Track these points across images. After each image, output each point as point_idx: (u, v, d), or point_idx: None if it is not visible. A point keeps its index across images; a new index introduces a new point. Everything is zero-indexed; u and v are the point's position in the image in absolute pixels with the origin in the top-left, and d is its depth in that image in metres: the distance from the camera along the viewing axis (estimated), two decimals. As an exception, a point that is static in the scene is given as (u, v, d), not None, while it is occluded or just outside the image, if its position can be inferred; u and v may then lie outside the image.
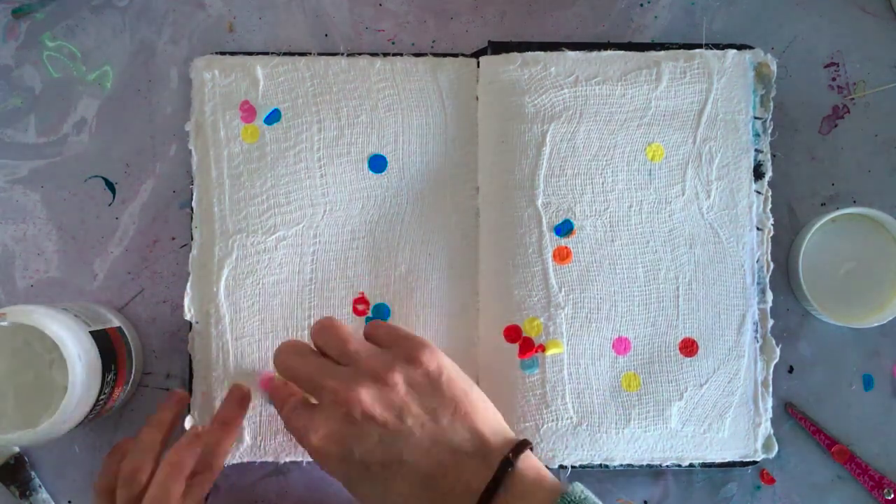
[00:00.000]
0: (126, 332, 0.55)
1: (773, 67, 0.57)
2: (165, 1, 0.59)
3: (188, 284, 0.56)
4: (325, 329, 0.48)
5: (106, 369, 0.51)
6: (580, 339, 0.55)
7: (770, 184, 0.57)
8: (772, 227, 0.57)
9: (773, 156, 0.58)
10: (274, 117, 0.57)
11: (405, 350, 0.47)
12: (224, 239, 0.56)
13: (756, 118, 0.57)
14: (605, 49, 0.57)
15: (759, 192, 0.57)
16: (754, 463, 0.56)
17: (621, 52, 0.57)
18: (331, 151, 0.57)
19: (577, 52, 0.56)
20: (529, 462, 0.45)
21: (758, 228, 0.57)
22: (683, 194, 0.56)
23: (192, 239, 0.56)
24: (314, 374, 0.47)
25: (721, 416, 0.55)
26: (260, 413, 0.55)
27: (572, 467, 0.55)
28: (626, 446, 0.55)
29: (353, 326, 0.56)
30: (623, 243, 0.56)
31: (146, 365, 0.58)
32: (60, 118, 0.59)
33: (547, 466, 0.54)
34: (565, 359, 0.55)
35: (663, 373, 0.55)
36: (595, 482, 0.57)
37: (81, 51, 0.59)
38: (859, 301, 0.57)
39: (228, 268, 0.56)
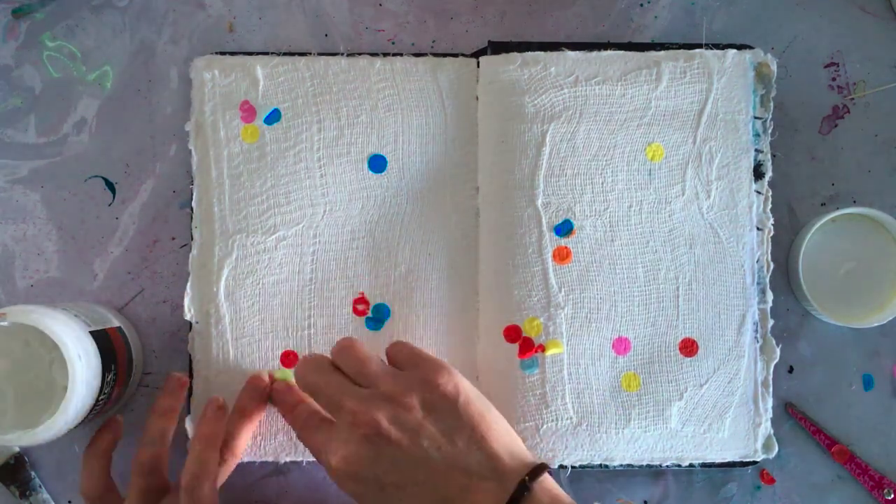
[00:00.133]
0: (126, 332, 0.55)
1: (773, 67, 0.57)
2: (165, 1, 0.59)
3: (188, 284, 0.56)
4: (344, 350, 0.49)
5: (106, 369, 0.51)
6: (580, 339, 0.55)
7: (770, 184, 0.57)
8: (772, 227, 0.57)
9: (773, 156, 0.58)
10: (274, 117, 0.57)
11: (423, 372, 0.48)
12: (224, 239, 0.56)
13: (756, 118, 0.57)
14: (605, 49, 0.57)
15: (759, 192, 0.57)
16: (754, 463, 0.56)
17: (621, 52, 0.57)
18: (331, 151, 0.57)
19: (577, 52, 0.56)
20: (546, 485, 0.45)
21: (758, 228, 0.57)
22: (683, 194, 0.56)
23: (192, 239, 0.56)
24: (334, 393, 0.48)
25: (721, 416, 0.55)
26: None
27: (572, 467, 0.55)
28: (626, 446, 0.55)
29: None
30: (623, 243, 0.56)
31: (146, 365, 0.58)
32: (60, 118, 0.59)
33: (547, 466, 0.54)
34: (565, 359, 0.55)
35: (663, 373, 0.55)
36: (595, 482, 0.57)
37: (81, 51, 0.59)
38: (859, 301, 0.57)
39: (228, 268, 0.56)
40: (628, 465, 0.55)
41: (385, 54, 0.58)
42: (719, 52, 0.57)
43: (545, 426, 0.54)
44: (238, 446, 0.53)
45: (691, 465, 0.55)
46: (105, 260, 0.58)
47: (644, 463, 0.55)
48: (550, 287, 0.55)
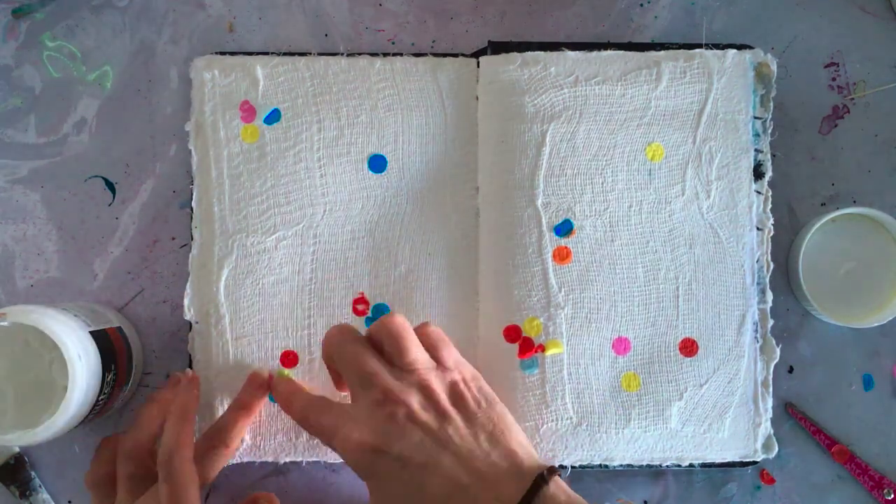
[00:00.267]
0: (126, 332, 0.55)
1: (773, 67, 0.57)
2: (165, 1, 0.59)
3: (188, 284, 0.56)
4: (392, 333, 0.49)
5: (106, 369, 0.51)
6: (580, 339, 0.55)
7: (770, 184, 0.57)
8: (772, 227, 0.57)
9: (773, 156, 0.58)
10: (274, 117, 0.57)
11: (455, 371, 0.50)
12: (224, 239, 0.56)
13: (756, 118, 0.57)
14: (605, 49, 0.57)
15: (759, 192, 0.57)
16: (754, 463, 0.56)
17: (621, 52, 0.57)
18: (331, 151, 0.57)
19: (577, 52, 0.56)
20: (561, 485, 0.46)
21: (758, 228, 0.57)
22: (683, 194, 0.56)
23: (192, 239, 0.56)
24: (370, 369, 0.49)
25: (721, 416, 0.55)
26: (260, 413, 0.55)
27: (572, 467, 0.55)
28: (626, 446, 0.55)
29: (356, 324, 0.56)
30: (623, 243, 0.56)
31: (146, 365, 0.58)
32: (60, 118, 0.59)
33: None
34: (565, 359, 0.55)
35: (663, 373, 0.55)
36: (595, 482, 0.58)
37: (81, 51, 0.59)
38: (859, 301, 0.57)
39: (228, 268, 0.56)
40: (628, 465, 0.55)
41: (385, 54, 0.58)
42: (719, 52, 0.57)
43: (545, 426, 0.54)
44: (233, 438, 0.52)
45: (691, 465, 0.55)
46: (105, 260, 0.58)
47: (644, 463, 0.55)
48: (550, 287, 0.55)
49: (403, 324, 0.50)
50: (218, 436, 0.52)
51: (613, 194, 0.56)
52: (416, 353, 0.49)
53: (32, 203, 0.58)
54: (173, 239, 0.58)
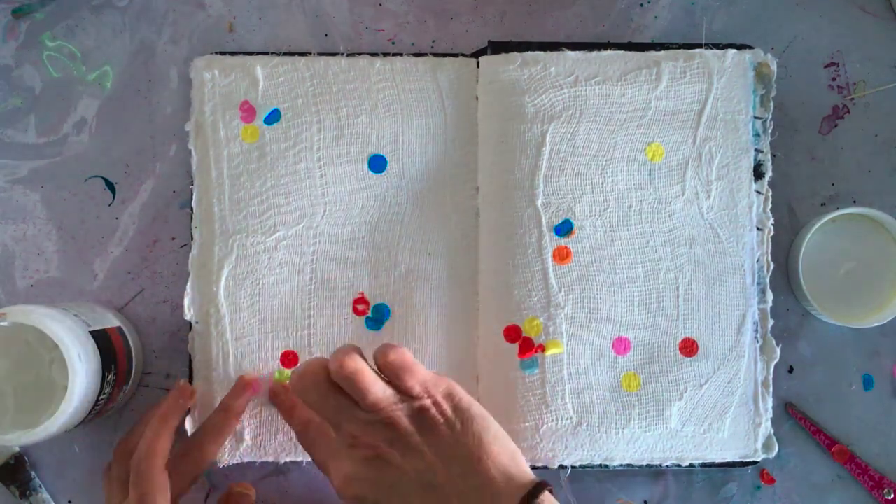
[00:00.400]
0: (126, 332, 0.55)
1: (773, 67, 0.57)
2: (165, 1, 0.59)
3: (188, 284, 0.56)
4: (346, 379, 0.47)
5: (106, 369, 0.51)
6: (580, 339, 0.55)
7: (770, 184, 0.57)
8: (772, 227, 0.57)
9: (773, 156, 0.58)
10: (274, 117, 0.57)
11: (424, 397, 0.47)
12: (224, 239, 0.56)
13: (756, 118, 0.57)
14: (605, 49, 0.57)
15: (759, 192, 0.57)
16: (754, 463, 0.56)
17: (621, 52, 0.57)
18: (331, 151, 0.57)
19: (577, 52, 0.56)
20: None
21: (758, 228, 0.57)
22: (683, 194, 0.56)
23: (192, 239, 0.56)
24: (333, 415, 0.48)
25: (721, 416, 0.55)
26: (260, 413, 0.55)
27: (572, 467, 0.55)
28: (626, 446, 0.55)
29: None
30: (623, 243, 0.56)
31: (146, 365, 0.58)
32: (60, 118, 0.59)
33: (546, 467, 0.54)
34: (565, 359, 0.55)
35: (663, 373, 0.55)
36: (595, 482, 0.57)
37: (81, 51, 0.59)
38: (859, 301, 0.57)
39: (228, 268, 0.56)
40: (628, 465, 0.55)
41: (385, 54, 0.58)
42: (719, 52, 0.57)
43: (545, 426, 0.54)
44: (213, 445, 0.53)
45: (691, 465, 0.55)
46: (105, 260, 0.58)
47: (644, 463, 0.55)
48: (550, 287, 0.55)
49: (355, 366, 0.47)
50: (198, 443, 0.52)
51: (613, 194, 0.56)
52: (376, 394, 0.47)
53: (32, 203, 0.58)
54: (173, 239, 0.58)
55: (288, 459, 0.55)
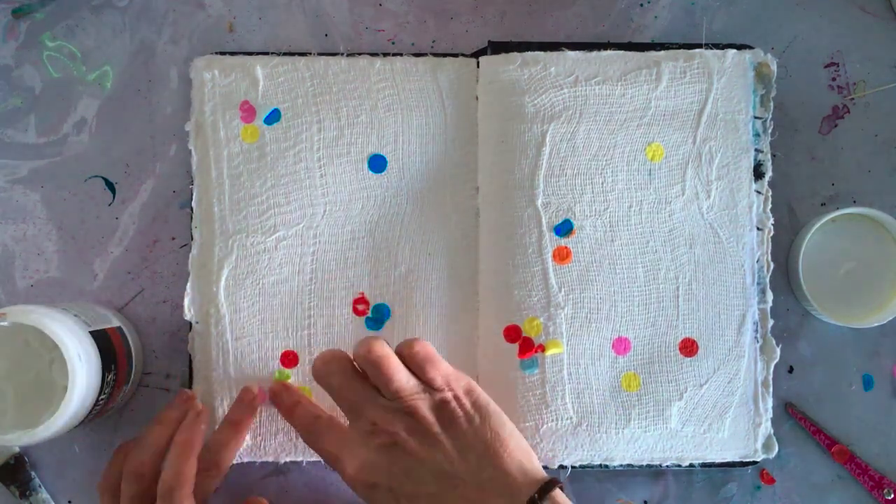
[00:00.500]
0: (126, 332, 0.55)
1: (773, 67, 0.57)
2: (165, 1, 0.59)
3: (188, 284, 0.56)
4: (373, 363, 0.48)
5: (106, 369, 0.51)
6: (580, 339, 0.55)
7: (770, 184, 0.57)
8: (772, 227, 0.57)
9: (773, 156, 0.58)
10: (274, 117, 0.57)
11: (446, 389, 0.49)
12: (224, 239, 0.56)
13: (756, 118, 0.57)
14: (605, 49, 0.57)
15: (759, 192, 0.57)
16: (754, 463, 0.56)
17: (621, 52, 0.57)
18: (331, 151, 0.57)
19: (577, 52, 0.56)
20: (557, 501, 0.46)
21: (758, 228, 0.57)
22: (683, 194, 0.56)
23: (192, 239, 0.56)
24: (357, 400, 0.49)
25: (721, 416, 0.55)
26: (260, 413, 0.55)
27: (572, 467, 0.55)
28: (626, 446, 0.55)
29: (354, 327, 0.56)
30: (623, 243, 0.56)
31: (146, 365, 0.58)
32: (60, 118, 0.59)
33: (546, 467, 0.54)
34: (565, 359, 0.55)
35: (663, 373, 0.55)
36: (595, 482, 0.57)
37: (81, 51, 0.59)
38: (859, 301, 0.57)
39: (228, 268, 0.56)
40: (628, 465, 0.55)
41: (385, 54, 0.58)
42: (719, 52, 0.57)
43: (545, 426, 0.54)
44: (225, 460, 0.53)
45: (691, 465, 0.55)
46: (105, 260, 0.58)
47: (644, 463, 0.55)
48: (550, 287, 0.55)
49: (382, 352, 0.48)
50: (210, 458, 0.52)
51: (613, 194, 0.56)
52: (400, 381, 0.48)
53: (32, 203, 0.58)
54: (173, 239, 0.58)
55: (288, 459, 0.55)
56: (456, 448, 0.47)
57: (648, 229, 0.56)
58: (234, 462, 0.55)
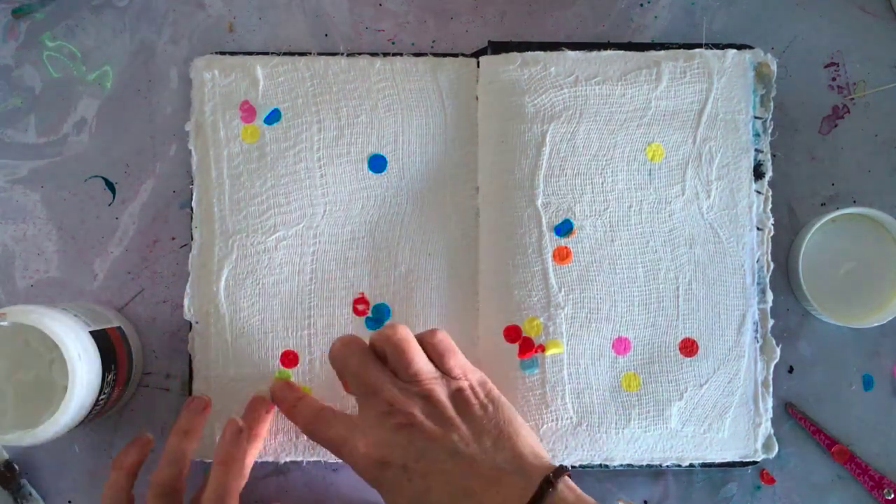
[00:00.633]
0: (126, 332, 0.55)
1: (773, 67, 0.57)
2: (165, 1, 0.59)
3: (188, 284, 0.56)
4: (395, 345, 0.49)
5: (106, 369, 0.51)
6: (580, 339, 0.55)
7: (770, 184, 0.57)
8: (772, 227, 0.57)
9: (773, 156, 0.58)
10: (274, 117, 0.57)
11: (462, 379, 0.50)
12: (224, 239, 0.56)
13: (756, 118, 0.57)
14: (605, 49, 0.57)
15: (759, 192, 0.57)
16: (754, 463, 0.56)
17: (621, 52, 0.57)
18: (331, 151, 0.57)
19: (577, 52, 0.56)
20: (569, 485, 0.47)
21: (758, 228, 0.57)
22: (683, 194, 0.56)
23: (192, 239, 0.56)
24: (374, 381, 0.49)
25: (721, 416, 0.55)
26: (260, 413, 0.55)
27: (572, 467, 0.55)
28: (626, 446, 0.55)
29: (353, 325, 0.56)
30: (623, 243, 0.56)
31: (146, 365, 0.58)
32: (60, 118, 0.59)
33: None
34: (565, 359, 0.55)
35: (663, 373, 0.55)
36: (595, 482, 0.57)
37: (81, 51, 0.59)
38: (859, 301, 0.57)
39: (228, 268, 0.56)
40: (628, 465, 0.55)
41: (385, 54, 0.58)
42: (719, 52, 0.57)
43: (545, 426, 0.54)
44: (247, 467, 0.53)
45: (691, 465, 0.55)
46: (105, 260, 0.58)
47: (644, 463, 0.55)
48: (550, 287, 0.55)
49: (406, 336, 0.49)
50: (226, 476, 0.51)
51: (613, 194, 0.56)
52: (419, 365, 0.49)
53: (32, 203, 0.58)
54: (173, 239, 0.58)
55: (288, 459, 0.55)
56: (471, 431, 0.48)
57: (648, 229, 0.56)
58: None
